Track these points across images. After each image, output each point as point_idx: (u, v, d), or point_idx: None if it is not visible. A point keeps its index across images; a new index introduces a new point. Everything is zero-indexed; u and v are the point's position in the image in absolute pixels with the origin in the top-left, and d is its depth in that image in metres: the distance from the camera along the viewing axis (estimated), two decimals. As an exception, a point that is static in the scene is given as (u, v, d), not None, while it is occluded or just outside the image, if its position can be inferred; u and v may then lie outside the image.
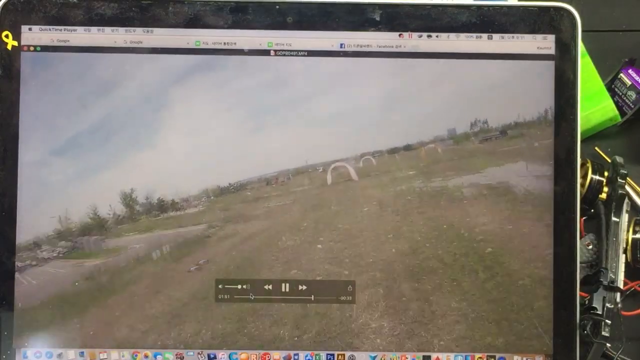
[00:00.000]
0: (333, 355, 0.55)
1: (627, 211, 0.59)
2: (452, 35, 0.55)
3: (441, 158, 0.56)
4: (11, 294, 0.54)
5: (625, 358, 0.56)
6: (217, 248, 0.55)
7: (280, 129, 0.55)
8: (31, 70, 0.54)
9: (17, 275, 0.54)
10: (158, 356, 0.55)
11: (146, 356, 0.55)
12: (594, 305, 0.56)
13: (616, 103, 0.62)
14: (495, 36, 0.55)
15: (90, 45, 0.55)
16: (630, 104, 0.62)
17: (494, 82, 0.55)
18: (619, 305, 0.56)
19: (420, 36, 0.55)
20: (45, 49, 0.54)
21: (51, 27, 0.54)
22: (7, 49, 0.54)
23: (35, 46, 0.54)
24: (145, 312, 0.55)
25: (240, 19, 0.55)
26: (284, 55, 0.55)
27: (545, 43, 0.55)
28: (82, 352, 0.55)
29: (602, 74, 0.62)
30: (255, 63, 0.55)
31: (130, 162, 0.55)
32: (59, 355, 0.55)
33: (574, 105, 0.54)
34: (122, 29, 0.54)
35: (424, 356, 0.55)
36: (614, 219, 0.58)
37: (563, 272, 0.54)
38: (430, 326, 0.54)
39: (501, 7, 0.55)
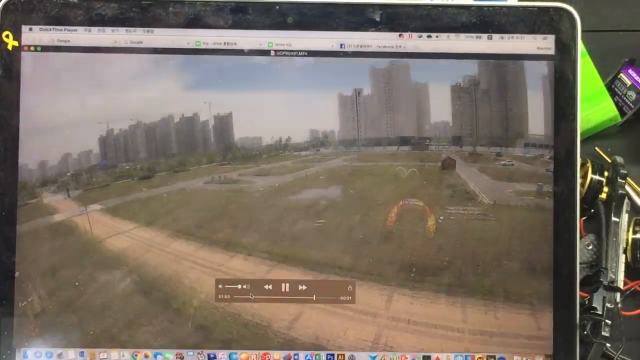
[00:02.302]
0: (333, 355, 0.55)
1: (627, 211, 0.59)
2: (452, 35, 0.55)
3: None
4: (11, 294, 0.54)
5: (625, 358, 0.56)
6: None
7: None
8: (31, 70, 0.54)
9: (17, 274, 0.54)
10: (158, 356, 0.55)
11: (146, 356, 0.55)
12: (594, 305, 0.56)
13: (616, 103, 0.62)
14: (495, 36, 0.55)
15: (90, 46, 0.55)
16: (630, 104, 0.62)
17: (493, 82, 0.55)
18: (619, 305, 0.56)
19: (420, 36, 0.55)
20: (46, 49, 0.54)
21: (52, 27, 0.54)
22: (7, 49, 0.54)
23: (35, 46, 0.54)
24: (145, 311, 0.55)
25: (240, 19, 0.55)
26: (284, 55, 0.55)
27: (545, 43, 0.55)
28: (82, 352, 0.55)
29: (602, 74, 0.62)
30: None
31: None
32: (59, 355, 0.55)
33: (573, 106, 0.54)
34: (122, 29, 0.55)
35: (424, 356, 0.55)
36: (614, 219, 0.58)
37: (563, 272, 0.54)
38: (430, 326, 0.54)
39: (501, 7, 0.55)
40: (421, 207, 0.48)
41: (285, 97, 0.53)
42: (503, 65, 0.53)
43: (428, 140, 0.51)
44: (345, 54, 0.55)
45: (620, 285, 0.57)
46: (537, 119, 0.52)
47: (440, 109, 0.51)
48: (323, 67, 0.53)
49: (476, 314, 0.54)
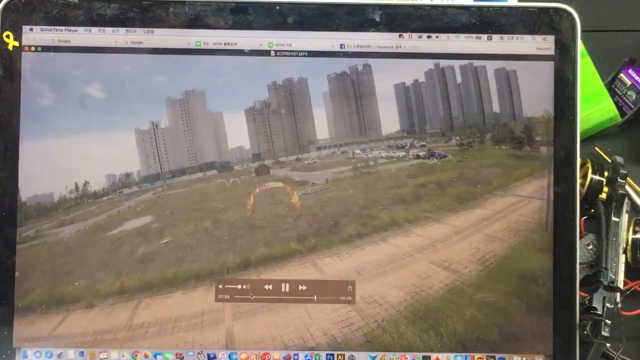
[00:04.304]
0: (333, 355, 0.55)
1: (627, 211, 0.59)
2: (452, 35, 0.55)
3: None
4: (11, 294, 0.54)
5: (625, 358, 0.56)
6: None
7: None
8: (32, 71, 0.55)
9: (17, 274, 0.54)
10: (158, 356, 0.55)
11: (146, 356, 0.55)
12: (594, 305, 0.56)
13: (616, 103, 0.62)
14: (495, 37, 0.55)
15: (91, 46, 0.55)
16: (630, 104, 0.62)
17: (493, 82, 0.55)
18: (619, 305, 0.56)
19: (420, 37, 0.55)
20: (46, 49, 0.55)
21: (52, 27, 0.54)
22: (8, 49, 0.54)
23: (36, 46, 0.55)
24: (146, 310, 0.55)
25: (240, 19, 0.55)
26: (284, 55, 0.55)
27: (544, 44, 0.55)
28: (82, 352, 0.55)
29: (602, 74, 0.62)
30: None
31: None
32: (59, 355, 0.55)
33: (573, 106, 0.54)
34: (122, 30, 0.55)
35: (423, 356, 0.55)
36: (614, 219, 0.58)
37: (563, 272, 0.54)
38: (430, 326, 0.54)
39: (501, 8, 0.55)
40: (282, 187, 0.52)
41: (79, 140, 0.51)
42: (290, 85, 0.55)
43: (231, 162, 0.55)
44: (346, 54, 0.55)
45: (620, 285, 0.57)
46: (322, 129, 0.55)
47: (238, 132, 0.54)
48: (117, 102, 0.52)
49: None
